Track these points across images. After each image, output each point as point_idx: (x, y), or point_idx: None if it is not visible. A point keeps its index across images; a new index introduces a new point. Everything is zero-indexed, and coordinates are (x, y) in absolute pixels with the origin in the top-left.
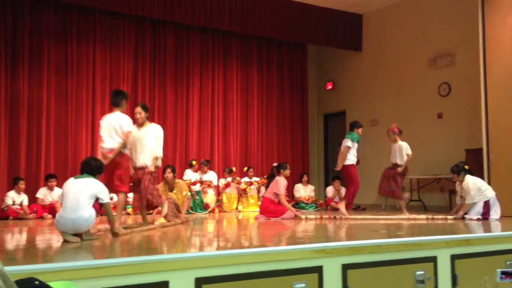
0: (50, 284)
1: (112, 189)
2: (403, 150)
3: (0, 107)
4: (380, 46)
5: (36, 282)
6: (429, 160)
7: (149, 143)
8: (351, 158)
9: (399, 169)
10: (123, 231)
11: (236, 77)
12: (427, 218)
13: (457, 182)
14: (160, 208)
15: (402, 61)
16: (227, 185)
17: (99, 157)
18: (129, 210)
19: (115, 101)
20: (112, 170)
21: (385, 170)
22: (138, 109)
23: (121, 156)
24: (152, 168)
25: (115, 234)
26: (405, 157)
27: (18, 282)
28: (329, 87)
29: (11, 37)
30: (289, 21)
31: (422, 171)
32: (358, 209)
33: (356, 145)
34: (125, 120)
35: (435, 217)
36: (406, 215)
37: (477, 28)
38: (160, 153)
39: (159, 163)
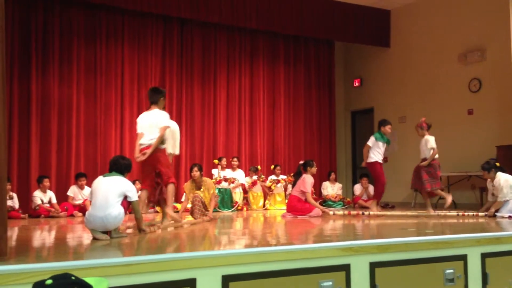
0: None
1: (151, 183)
2: (428, 143)
3: (31, 106)
4: (408, 42)
5: (73, 278)
6: (460, 157)
7: (158, 125)
8: (374, 156)
9: (424, 163)
10: (150, 229)
11: (262, 75)
12: (458, 214)
13: (489, 180)
14: (188, 206)
15: (431, 57)
16: (254, 184)
17: (137, 153)
18: (158, 208)
19: (154, 98)
20: (153, 165)
21: (416, 166)
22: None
23: (160, 151)
24: (149, 151)
25: (141, 231)
26: (429, 152)
27: (54, 278)
28: (357, 84)
29: (41, 37)
30: (316, 18)
31: (452, 168)
32: (387, 206)
33: (380, 144)
34: (164, 116)
35: (466, 213)
36: (431, 212)
37: (508, 22)
38: (177, 151)
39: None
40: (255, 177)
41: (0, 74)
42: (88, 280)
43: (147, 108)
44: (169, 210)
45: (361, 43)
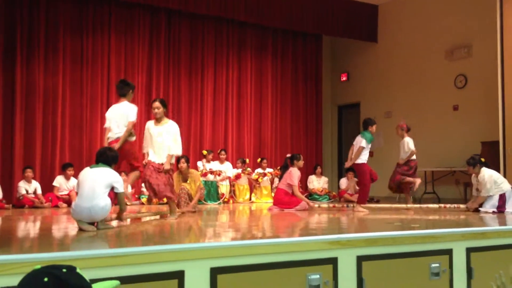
0: (100, 283)
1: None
2: (405, 145)
3: (16, 97)
4: (396, 38)
5: (64, 270)
6: (444, 152)
7: (165, 142)
8: (362, 157)
9: (400, 161)
10: (127, 223)
11: (250, 68)
12: (440, 207)
13: (473, 175)
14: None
15: (418, 53)
16: (237, 177)
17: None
18: (144, 200)
19: (122, 91)
20: (122, 158)
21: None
22: (156, 104)
23: (129, 144)
24: (167, 166)
25: (119, 220)
26: (407, 154)
27: (47, 266)
28: (344, 78)
29: (27, 26)
30: (305, 11)
31: (437, 164)
32: (372, 201)
33: (369, 145)
34: (132, 110)
35: (448, 205)
36: (410, 204)
37: (495, 19)
38: (179, 152)
39: (173, 160)
40: (239, 170)
41: None
42: (104, 284)
43: (116, 101)
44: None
45: (348, 38)
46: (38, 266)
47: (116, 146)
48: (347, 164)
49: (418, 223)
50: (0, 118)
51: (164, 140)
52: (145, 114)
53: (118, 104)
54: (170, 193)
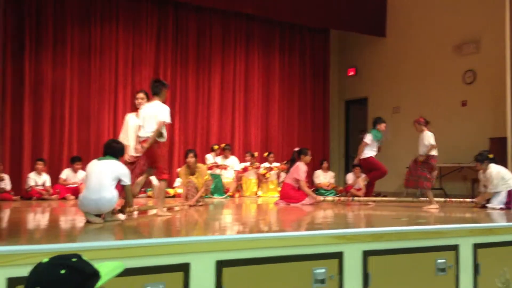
0: (103, 264)
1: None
2: (424, 139)
3: (25, 90)
4: (404, 32)
5: (73, 259)
6: (452, 148)
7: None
8: (369, 153)
9: (420, 158)
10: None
11: (257, 62)
12: (445, 201)
13: (481, 171)
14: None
15: (426, 48)
16: (245, 170)
17: (136, 145)
18: (150, 193)
19: (155, 90)
20: (150, 158)
21: (411, 162)
22: (141, 95)
23: (157, 145)
24: (154, 136)
25: (122, 213)
26: (426, 148)
27: (55, 257)
28: (351, 73)
29: (35, 19)
30: (312, 5)
31: (444, 160)
32: (379, 196)
33: (375, 143)
34: (163, 110)
35: (453, 200)
36: (435, 205)
37: (504, 14)
38: (167, 119)
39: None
40: (247, 164)
41: None
42: (106, 265)
43: (149, 100)
44: (160, 210)
45: (356, 32)
46: (46, 259)
47: (145, 146)
48: (356, 160)
49: (425, 218)
50: (9, 110)
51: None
52: None
53: (150, 103)
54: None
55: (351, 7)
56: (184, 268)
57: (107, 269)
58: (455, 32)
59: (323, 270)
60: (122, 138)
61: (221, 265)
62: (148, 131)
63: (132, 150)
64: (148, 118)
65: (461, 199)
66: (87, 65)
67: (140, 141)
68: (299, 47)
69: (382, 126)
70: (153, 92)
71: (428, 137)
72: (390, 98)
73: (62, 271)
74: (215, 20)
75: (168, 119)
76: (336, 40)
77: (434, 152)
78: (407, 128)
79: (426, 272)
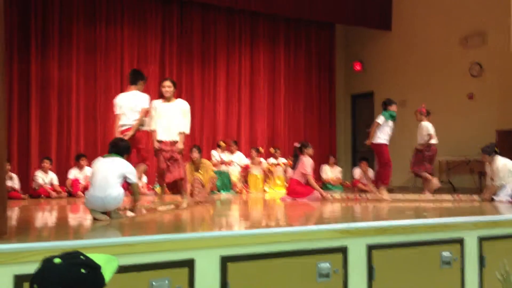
0: (92, 255)
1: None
2: (423, 130)
3: (31, 89)
4: (410, 26)
5: (82, 257)
6: (459, 141)
7: (175, 119)
8: (382, 137)
9: (418, 147)
10: (144, 212)
11: (263, 57)
12: (454, 199)
13: (487, 164)
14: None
15: (432, 41)
16: (246, 167)
17: (117, 135)
18: (157, 189)
19: (133, 79)
20: (133, 145)
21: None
22: (168, 83)
23: (140, 132)
24: (181, 146)
25: (132, 211)
26: (426, 138)
27: (63, 257)
28: (357, 67)
29: (41, 18)
30: (317, 0)
31: (451, 153)
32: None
33: (390, 123)
34: (143, 98)
35: (462, 196)
36: (430, 195)
37: (510, 6)
38: (187, 130)
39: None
40: (248, 161)
41: None
42: (98, 257)
43: (125, 89)
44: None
45: (362, 26)
46: (58, 260)
47: (129, 133)
48: (367, 142)
49: (430, 212)
50: (16, 110)
51: (173, 117)
52: None
53: (128, 92)
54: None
55: (356, 1)
56: (189, 264)
57: (101, 261)
58: (461, 25)
59: (327, 265)
60: (151, 124)
61: (225, 260)
62: (130, 119)
63: (160, 135)
64: (130, 109)
65: (469, 196)
66: (93, 64)
67: (122, 130)
68: (305, 42)
69: (393, 107)
70: (131, 81)
71: (427, 128)
72: (396, 92)
73: (83, 270)
74: (219, 17)
75: (147, 105)
76: (342, 34)
77: (434, 141)
78: (413, 122)
79: (431, 265)
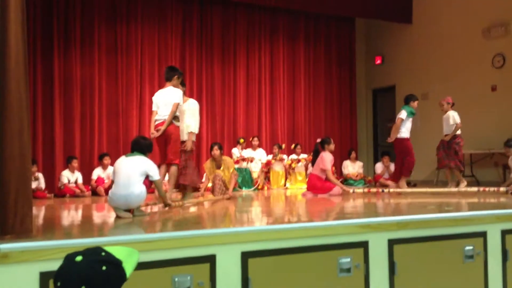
0: (113, 249)
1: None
2: (449, 119)
3: (55, 89)
4: (431, 18)
5: (103, 254)
6: (482, 134)
7: (186, 120)
8: (405, 131)
9: (446, 138)
10: (175, 203)
11: (282, 53)
12: (479, 190)
13: (510, 157)
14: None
15: (454, 33)
16: (268, 163)
17: (152, 130)
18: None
19: (167, 75)
20: (164, 142)
21: (439, 142)
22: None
23: (172, 128)
24: (188, 146)
25: (167, 205)
26: (452, 127)
27: (84, 253)
28: (378, 61)
29: (63, 18)
30: None
31: (475, 146)
32: (409, 185)
33: (410, 119)
34: (175, 93)
35: (487, 189)
36: (463, 185)
37: None
38: (195, 130)
39: (194, 138)
40: (270, 157)
41: (22, 55)
42: (119, 250)
43: (162, 86)
44: (169, 194)
45: (382, 20)
46: (80, 258)
47: (162, 128)
48: (390, 139)
49: (452, 206)
50: (40, 110)
51: (185, 119)
52: None
53: (163, 88)
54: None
55: None
56: (210, 259)
57: (122, 255)
58: (483, 16)
59: (348, 259)
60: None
61: (246, 256)
62: (163, 115)
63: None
64: (163, 104)
65: (495, 188)
66: (114, 63)
67: (156, 124)
68: (324, 37)
69: (415, 104)
70: (166, 78)
71: (454, 117)
72: (418, 85)
73: (104, 268)
74: (239, 13)
75: (180, 101)
76: (362, 28)
77: (459, 132)
78: (436, 115)
79: (454, 259)
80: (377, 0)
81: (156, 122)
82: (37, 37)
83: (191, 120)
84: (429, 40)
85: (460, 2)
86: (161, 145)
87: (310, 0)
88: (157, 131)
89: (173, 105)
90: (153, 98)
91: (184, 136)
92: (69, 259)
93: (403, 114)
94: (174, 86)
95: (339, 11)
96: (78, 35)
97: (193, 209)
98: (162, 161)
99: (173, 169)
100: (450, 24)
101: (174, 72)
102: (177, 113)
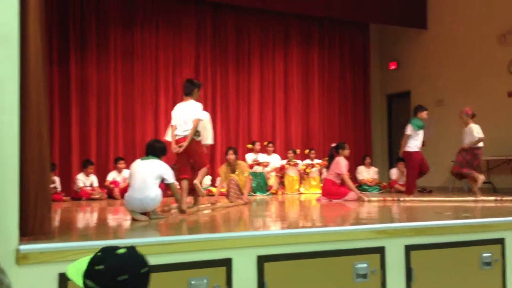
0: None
1: (190, 172)
2: (473, 132)
3: (71, 93)
4: (446, 23)
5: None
6: (499, 140)
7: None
8: (412, 145)
9: (465, 146)
10: (190, 210)
11: (296, 59)
12: (496, 200)
13: None
14: (223, 190)
15: (469, 38)
16: (282, 168)
17: (173, 145)
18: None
19: (187, 90)
20: (187, 156)
21: (458, 152)
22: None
23: (195, 143)
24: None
25: (182, 211)
26: (475, 139)
27: (128, 248)
28: (393, 67)
29: (79, 23)
30: (350, 0)
31: (491, 152)
32: (424, 191)
33: (419, 132)
34: (196, 108)
35: (504, 198)
36: (477, 197)
37: None
38: (211, 141)
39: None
40: (284, 162)
41: (41, 59)
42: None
43: (182, 99)
44: (200, 191)
45: (397, 25)
46: (123, 250)
47: (184, 144)
48: (400, 154)
49: (469, 212)
50: (57, 113)
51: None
52: None
53: (183, 102)
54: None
55: (391, 0)
56: (226, 263)
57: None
58: (498, 21)
59: (365, 265)
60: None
61: (262, 260)
62: (183, 130)
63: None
64: (184, 118)
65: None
66: (130, 68)
67: (176, 139)
68: (338, 42)
69: (423, 114)
70: (185, 92)
71: (477, 130)
72: (433, 91)
73: (144, 269)
74: (253, 19)
75: (202, 116)
76: (376, 33)
77: (481, 144)
78: (451, 121)
79: (471, 266)
80: (392, 6)
81: (177, 137)
82: (54, 42)
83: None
84: (444, 45)
85: (476, 7)
86: (183, 160)
87: (324, 6)
88: (180, 147)
89: (194, 121)
90: (173, 112)
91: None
92: (109, 250)
93: (409, 130)
94: (195, 100)
95: (353, 17)
96: (94, 40)
97: (208, 213)
98: (185, 175)
99: (204, 170)
100: (466, 29)
101: (194, 85)
102: (198, 128)
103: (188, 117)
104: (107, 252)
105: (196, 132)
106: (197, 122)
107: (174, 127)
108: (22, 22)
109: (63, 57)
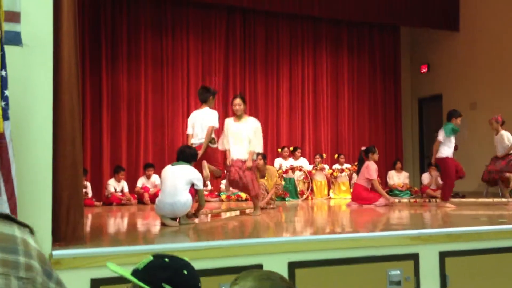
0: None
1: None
2: (504, 139)
3: (103, 100)
4: (478, 25)
5: (166, 260)
6: None
7: (246, 138)
8: (444, 152)
9: (498, 155)
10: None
11: (326, 63)
12: None
13: None
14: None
15: (502, 40)
16: (309, 173)
17: None
18: (223, 196)
19: (203, 97)
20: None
21: (491, 160)
22: (238, 101)
23: (210, 150)
24: (249, 164)
25: (193, 216)
26: (507, 147)
27: (170, 258)
28: (424, 70)
29: (110, 32)
30: (380, 2)
31: None
32: (457, 196)
33: (451, 138)
34: (211, 116)
35: None
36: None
37: None
38: (260, 149)
39: (255, 157)
40: (310, 167)
41: (74, 67)
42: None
43: (196, 107)
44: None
45: (428, 27)
46: (167, 259)
47: (200, 152)
48: (432, 161)
49: (506, 218)
50: (89, 120)
51: (244, 137)
52: (223, 114)
53: (199, 110)
54: (259, 190)
55: (422, 2)
56: (257, 268)
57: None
58: None
59: (398, 272)
60: (224, 143)
61: (293, 266)
62: (199, 138)
63: (233, 154)
64: (200, 126)
65: None
66: (160, 75)
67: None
68: (368, 45)
69: (458, 121)
70: (201, 100)
71: (508, 137)
72: (465, 94)
73: (185, 271)
74: (282, 24)
75: (216, 124)
76: (407, 36)
77: None
78: (484, 125)
79: (509, 273)
80: (423, 8)
81: (193, 146)
82: (86, 50)
83: (252, 138)
84: (476, 48)
85: (508, 9)
86: (198, 168)
87: (353, 9)
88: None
89: (208, 128)
90: (189, 120)
91: (245, 155)
92: (176, 267)
93: (441, 135)
94: (210, 107)
95: (383, 20)
96: (125, 48)
97: (237, 218)
98: None
99: (218, 171)
100: (498, 31)
101: (209, 92)
102: (213, 135)
103: (204, 125)
104: (175, 270)
105: (212, 140)
106: (211, 129)
107: (190, 136)
108: (55, 29)
109: (94, 64)
